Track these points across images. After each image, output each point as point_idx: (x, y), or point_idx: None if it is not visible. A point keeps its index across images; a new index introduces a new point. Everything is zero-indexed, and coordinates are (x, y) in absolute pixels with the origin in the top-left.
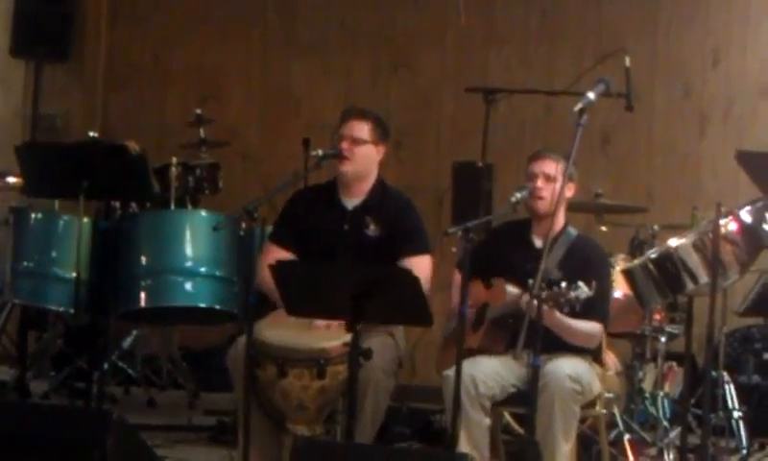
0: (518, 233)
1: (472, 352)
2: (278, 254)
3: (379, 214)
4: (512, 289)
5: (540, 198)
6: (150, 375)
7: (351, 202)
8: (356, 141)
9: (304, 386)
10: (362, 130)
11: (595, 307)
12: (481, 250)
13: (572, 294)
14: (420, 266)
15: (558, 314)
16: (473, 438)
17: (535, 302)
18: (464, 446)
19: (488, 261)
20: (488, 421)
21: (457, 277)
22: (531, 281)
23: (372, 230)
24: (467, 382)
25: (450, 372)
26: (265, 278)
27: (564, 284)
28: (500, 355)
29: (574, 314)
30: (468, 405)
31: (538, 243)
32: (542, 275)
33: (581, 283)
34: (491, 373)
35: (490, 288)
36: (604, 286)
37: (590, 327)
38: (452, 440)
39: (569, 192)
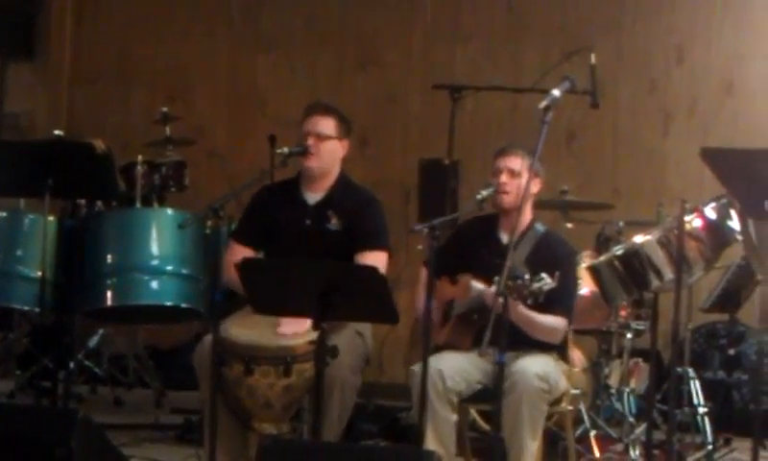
0: (485, 229)
1: (439, 348)
2: (241, 251)
3: (341, 209)
4: (476, 284)
5: (505, 193)
6: (116, 373)
7: (314, 197)
8: (321, 136)
9: (271, 384)
10: (327, 125)
11: (559, 300)
12: (448, 246)
13: (535, 285)
14: (375, 262)
15: (521, 307)
16: (440, 434)
17: (500, 300)
18: (430, 442)
19: (455, 258)
20: (454, 416)
21: (424, 274)
22: (497, 278)
23: (333, 224)
24: (434, 377)
25: (417, 367)
26: (232, 276)
27: (527, 276)
28: (467, 351)
29: (537, 306)
30: (436, 400)
31: (504, 239)
32: (509, 271)
33: (544, 275)
34: (457, 368)
35: (455, 284)
36: (568, 279)
37: (553, 320)
38: (419, 435)
39: (535, 188)
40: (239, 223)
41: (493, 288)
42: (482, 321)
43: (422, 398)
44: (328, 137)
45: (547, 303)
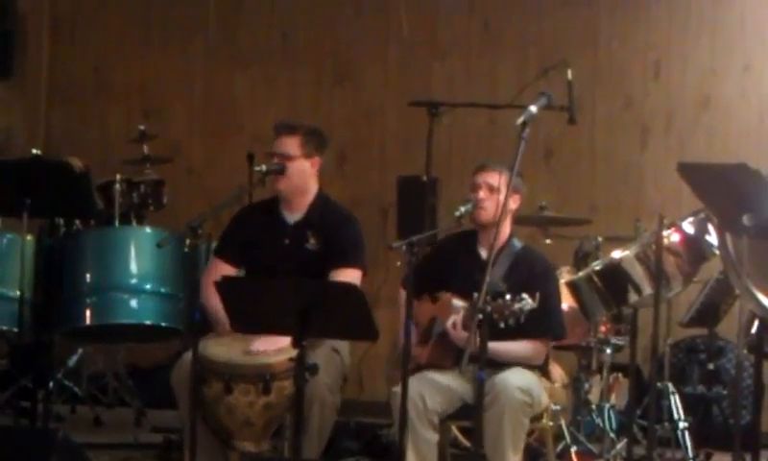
0: (464, 245)
1: (421, 368)
2: (223, 268)
3: (319, 228)
4: (457, 302)
5: (483, 208)
6: (96, 393)
7: (293, 216)
8: (287, 158)
9: (250, 402)
10: (291, 145)
11: (540, 322)
12: (427, 263)
13: (516, 306)
14: (348, 279)
15: (492, 345)
16: (421, 454)
17: (479, 316)
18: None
19: (434, 275)
20: (436, 436)
21: (403, 293)
22: (476, 295)
23: (311, 243)
24: (415, 398)
25: (398, 388)
26: (209, 296)
27: (508, 297)
28: (448, 370)
29: (519, 327)
30: (417, 421)
31: (484, 254)
32: (487, 287)
33: (525, 295)
34: (438, 388)
35: (436, 302)
36: (549, 300)
37: (525, 348)
38: (400, 456)
39: (514, 204)
40: (221, 240)
41: (452, 320)
42: None
43: (402, 417)
44: (294, 157)
45: (527, 324)
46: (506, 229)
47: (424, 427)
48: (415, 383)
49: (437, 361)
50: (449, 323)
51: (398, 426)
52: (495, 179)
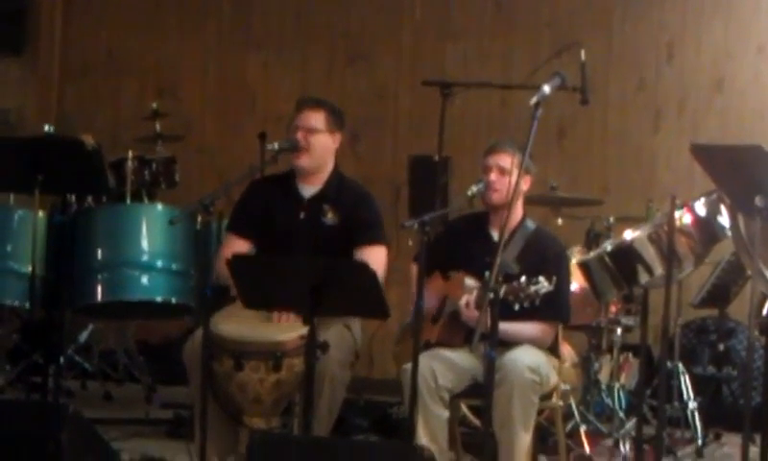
0: (476, 226)
1: (430, 345)
2: (238, 243)
3: (337, 203)
4: (470, 282)
5: (495, 190)
6: (106, 368)
7: (309, 190)
8: (311, 131)
9: (261, 379)
10: (317, 119)
11: (553, 305)
12: (439, 242)
13: (532, 288)
14: (375, 256)
15: (502, 325)
16: (431, 430)
17: (491, 296)
18: (422, 438)
19: (446, 254)
20: (446, 413)
21: (414, 268)
22: (487, 274)
23: (329, 218)
24: (426, 375)
25: (409, 365)
26: (223, 271)
27: (523, 279)
28: (458, 348)
29: (533, 308)
30: (428, 398)
31: (495, 236)
32: (500, 268)
33: (541, 278)
34: (449, 365)
35: (448, 281)
36: (561, 280)
37: (535, 330)
38: (410, 432)
39: (525, 185)
40: (234, 215)
41: (465, 299)
42: None
43: (414, 394)
44: (318, 131)
45: (542, 307)
46: (518, 210)
47: (435, 403)
48: (425, 360)
49: (447, 339)
50: (462, 301)
51: (408, 403)
52: (507, 161)
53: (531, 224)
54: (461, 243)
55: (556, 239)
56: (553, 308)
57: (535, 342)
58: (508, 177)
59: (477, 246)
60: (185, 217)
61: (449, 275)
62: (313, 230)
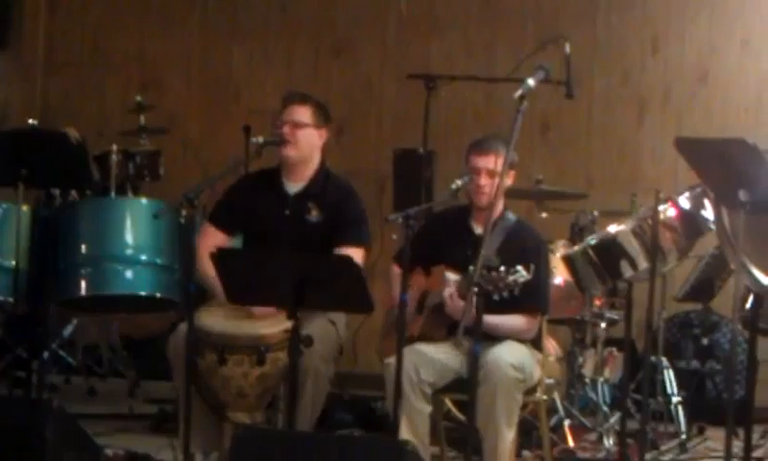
0: (458, 220)
1: (413, 340)
2: (215, 236)
3: (321, 200)
4: (451, 275)
5: (484, 193)
6: (90, 363)
7: (294, 187)
8: (297, 125)
9: (244, 373)
10: (303, 113)
11: (533, 295)
12: (420, 236)
13: (510, 278)
14: (353, 257)
15: (486, 318)
16: (414, 425)
17: (475, 290)
18: (404, 433)
19: (427, 248)
20: (429, 408)
21: (394, 268)
22: (471, 268)
23: (313, 215)
24: (408, 369)
25: (392, 360)
26: (205, 265)
27: (502, 269)
28: (441, 342)
29: (513, 299)
30: (410, 392)
31: (477, 230)
32: (483, 261)
33: (519, 267)
34: (431, 359)
35: (429, 275)
36: (541, 272)
37: (519, 322)
38: (394, 427)
39: (509, 180)
40: (216, 207)
41: (448, 292)
42: None
43: (397, 390)
44: (305, 125)
45: (521, 297)
46: (500, 203)
47: (417, 398)
48: (408, 355)
49: (430, 333)
50: (446, 293)
51: (392, 398)
52: (493, 162)
53: (511, 216)
54: (442, 237)
55: (536, 231)
56: (532, 299)
57: (517, 334)
58: (496, 178)
59: (458, 240)
60: (169, 211)
61: (431, 269)
62: (297, 226)
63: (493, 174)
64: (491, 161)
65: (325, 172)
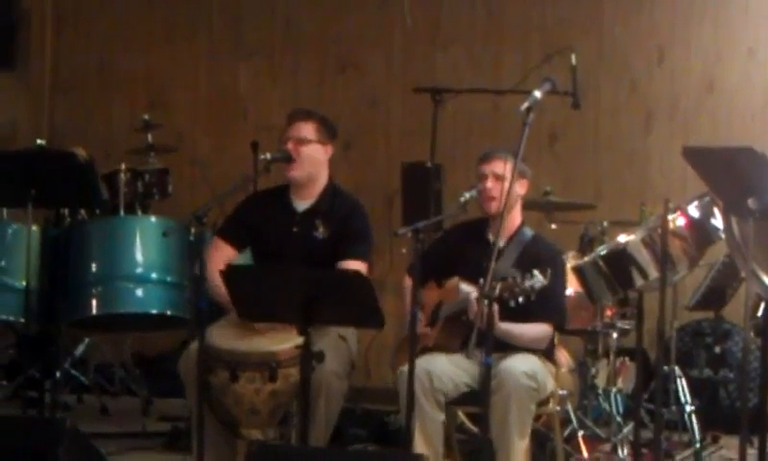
0: (475, 232)
1: (427, 350)
2: (224, 249)
3: (329, 217)
4: (465, 286)
5: (492, 198)
6: (103, 382)
7: (302, 204)
8: (301, 141)
9: (256, 390)
10: (307, 130)
11: (548, 304)
12: (434, 251)
13: (527, 283)
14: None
15: (501, 325)
16: (428, 434)
17: (485, 302)
18: (419, 444)
19: (443, 261)
20: (442, 416)
21: (408, 282)
22: (482, 280)
23: (320, 232)
24: (421, 377)
25: (405, 368)
26: (213, 278)
27: (518, 275)
28: (454, 353)
29: (529, 308)
30: (423, 400)
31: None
32: (498, 274)
33: (536, 272)
34: (444, 369)
35: (442, 287)
36: (557, 282)
37: (535, 331)
38: (407, 436)
39: (522, 189)
40: (226, 222)
41: (473, 295)
42: (471, 323)
43: (410, 403)
44: (309, 141)
45: (537, 304)
46: (517, 216)
47: (431, 406)
48: (422, 362)
49: (444, 344)
50: (473, 296)
51: (405, 406)
52: (501, 167)
53: (529, 231)
54: (458, 250)
55: (552, 245)
56: (548, 308)
57: (532, 343)
58: (503, 182)
59: (476, 251)
60: (178, 229)
61: (443, 283)
62: (304, 243)
63: (500, 178)
64: (496, 165)
65: (333, 188)
